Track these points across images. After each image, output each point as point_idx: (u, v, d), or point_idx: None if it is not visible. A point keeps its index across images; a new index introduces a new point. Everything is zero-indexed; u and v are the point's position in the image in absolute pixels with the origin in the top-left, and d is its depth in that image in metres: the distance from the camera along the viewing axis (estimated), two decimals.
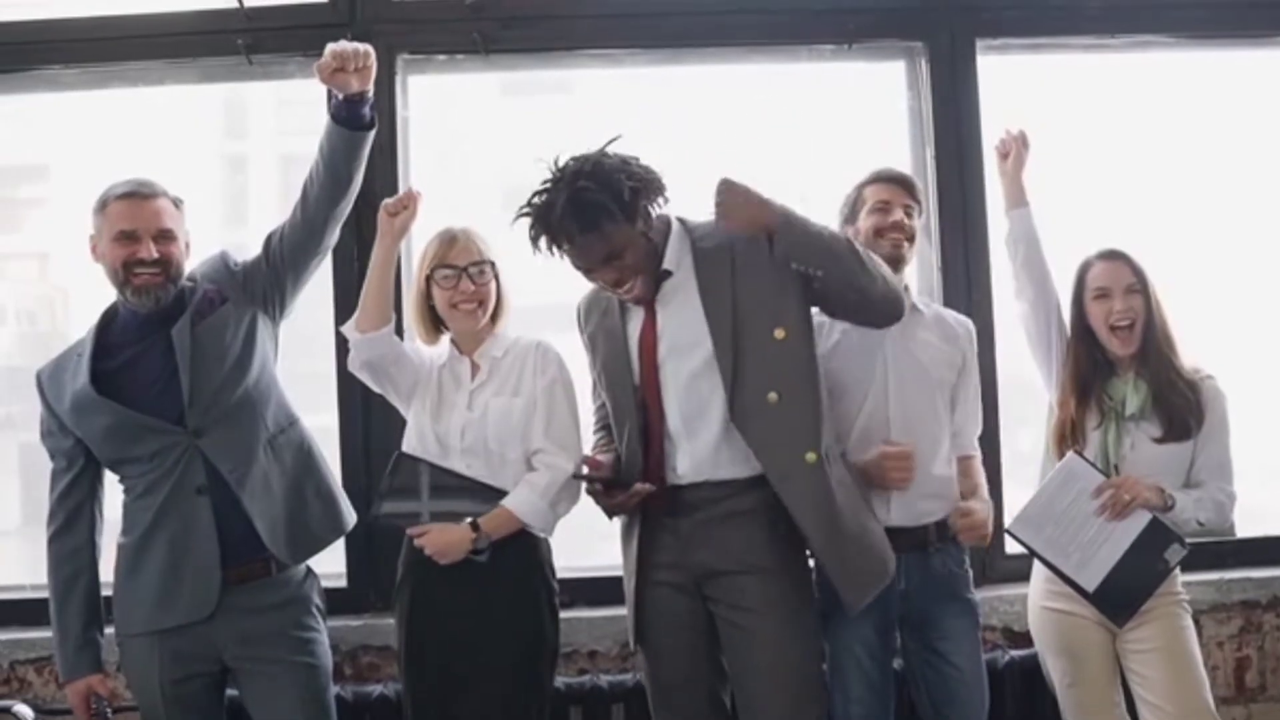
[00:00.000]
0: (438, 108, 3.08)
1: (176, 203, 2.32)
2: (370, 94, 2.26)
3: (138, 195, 2.25)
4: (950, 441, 2.43)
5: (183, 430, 2.22)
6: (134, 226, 2.23)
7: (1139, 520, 2.34)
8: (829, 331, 2.40)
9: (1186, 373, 2.43)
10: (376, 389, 2.43)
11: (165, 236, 2.26)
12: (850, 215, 2.47)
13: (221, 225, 3.14)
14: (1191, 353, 2.48)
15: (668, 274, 2.17)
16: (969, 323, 2.53)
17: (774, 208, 2.10)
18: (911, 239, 2.42)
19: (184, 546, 2.21)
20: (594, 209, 2.04)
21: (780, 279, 2.12)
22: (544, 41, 2.94)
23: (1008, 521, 2.48)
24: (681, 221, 2.23)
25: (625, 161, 2.09)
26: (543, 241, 2.12)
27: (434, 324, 2.39)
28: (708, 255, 2.16)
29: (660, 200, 2.14)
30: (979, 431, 2.51)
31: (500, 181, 3.25)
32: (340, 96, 2.23)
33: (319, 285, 2.82)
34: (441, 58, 2.95)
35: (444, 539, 2.22)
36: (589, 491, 2.20)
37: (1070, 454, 2.42)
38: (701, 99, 3.03)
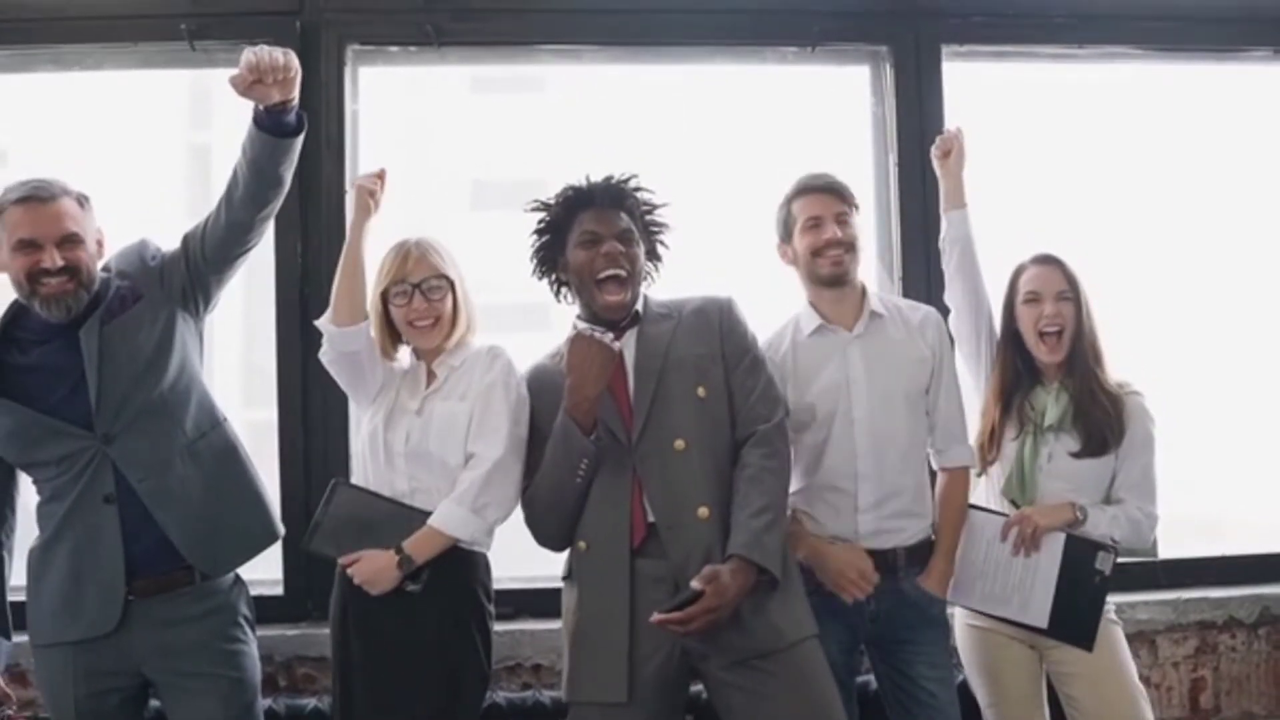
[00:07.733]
0: (405, 103, 3.01)
1: (81, 200, 2.15)
2: (294, 101, 2.09)
3: (35, 199, 2.07)
4: (925, 454, 2.34)
5: (90, 435, 2.10)
6: (34, 234, 2.06)
7: (1056, 543, 2.30)
8: (777, 344, 2.34)
9: (1110, 386, 2.39)
10: (344, 386, 2.32)
11: (70, 241, 2.09)
12: (785, 234, 2.37)
13: (186, 215, 3.01)
14: (1121, 367, 2.43)
15: (638, 315, 2.20)
16: (933, 311, 2.42)
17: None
18: (852, 248, 2.32)
19: (88, 557, 2.10)
20: (628, 192, 2.21)
21: (712, 351, 2.17)
22: (499, 35, 2.87)
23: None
24: (645, 298, 2.24)
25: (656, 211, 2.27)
26: (560, 207, 2.18)
27: (394, 338, 2.30)
28: (655, 322, 2.21)
29: (656, 267, 2.26)
30: (967, 436, 2.39)
31: (470, 178, 3.17)
32: (262, 106, 2.07)
33: (264, 278, 2.75)
34: (393, 49, 2.87)
35: (371, 568, 2.14)
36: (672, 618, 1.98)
37: (967, 509, 2.37)
38: (666, 100, 2.98)
